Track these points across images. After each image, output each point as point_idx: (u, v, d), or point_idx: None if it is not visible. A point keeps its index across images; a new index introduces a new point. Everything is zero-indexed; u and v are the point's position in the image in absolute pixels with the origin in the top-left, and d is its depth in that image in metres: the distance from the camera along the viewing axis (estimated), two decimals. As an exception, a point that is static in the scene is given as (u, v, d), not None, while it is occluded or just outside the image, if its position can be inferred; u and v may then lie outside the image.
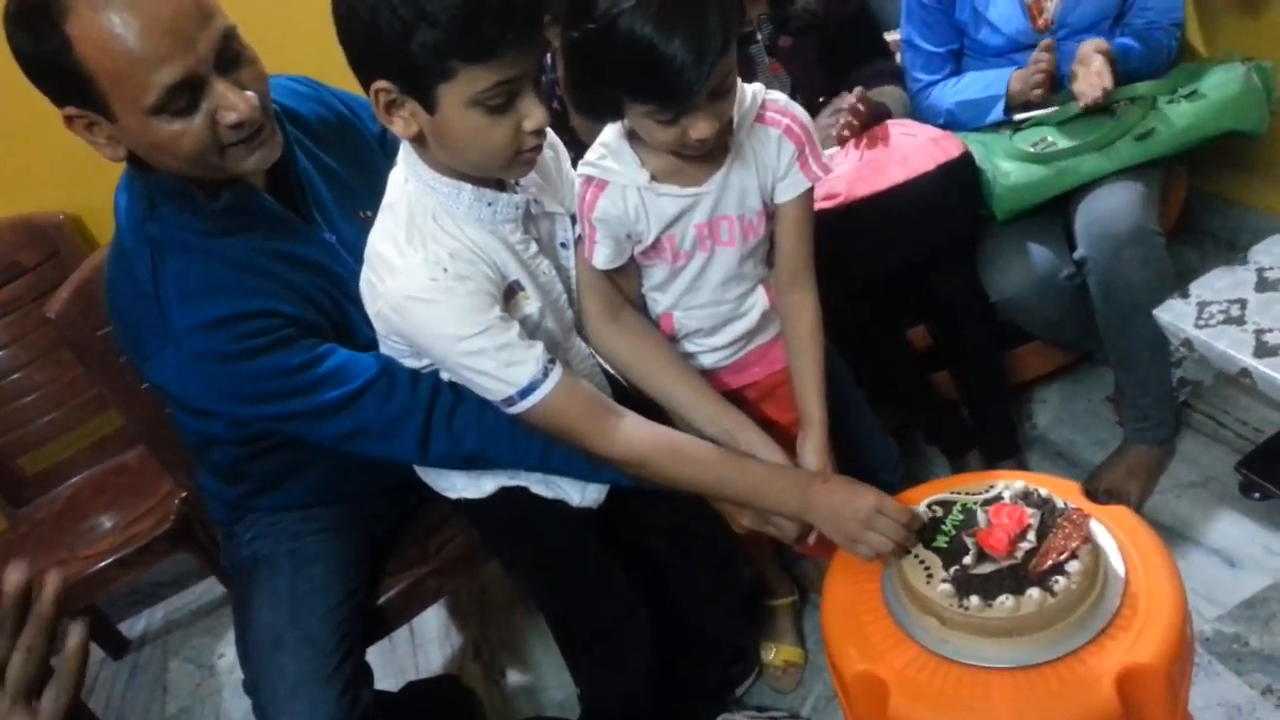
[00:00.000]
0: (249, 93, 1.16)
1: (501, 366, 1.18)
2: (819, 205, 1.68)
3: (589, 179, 1.27)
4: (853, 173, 1.74)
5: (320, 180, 1.36)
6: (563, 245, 1.32)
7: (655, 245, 1.31)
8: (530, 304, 1.24)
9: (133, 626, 2.48)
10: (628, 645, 1.55)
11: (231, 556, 1.55)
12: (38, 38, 1.09)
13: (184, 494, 1.90)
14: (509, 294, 1.22)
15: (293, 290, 1.28)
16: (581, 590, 1.51)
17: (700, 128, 1.14)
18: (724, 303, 1.38)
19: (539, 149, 1.17)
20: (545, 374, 1.19)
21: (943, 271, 1.84)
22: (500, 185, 1.21)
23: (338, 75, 1.22)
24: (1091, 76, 1.70)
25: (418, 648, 2.16)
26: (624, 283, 1.36)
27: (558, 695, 1.91)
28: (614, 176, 1.25)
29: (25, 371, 2.11)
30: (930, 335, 1.96)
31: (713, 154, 1.24)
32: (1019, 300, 1.81)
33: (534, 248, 1.25)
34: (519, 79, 1.08)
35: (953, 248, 1.84)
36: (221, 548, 1.61)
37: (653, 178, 1.25)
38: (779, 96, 1.30)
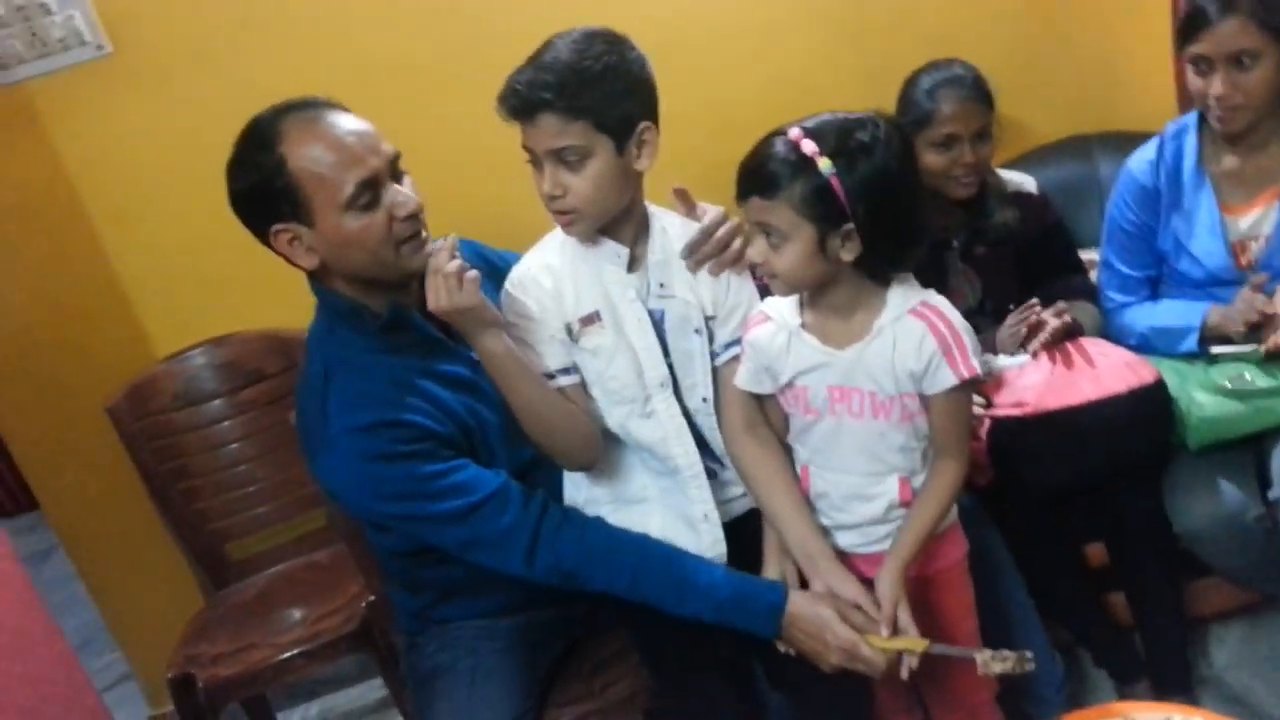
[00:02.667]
0: (408, 190, 1.45)
1: None
2: (1006, 412, 1.74)
3: (761, 312, 1.51)
4: (1043, 384, 1.78)
5: None
6: (696, 331, 1.54)
7: (790, 388, 1.47)
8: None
9: (288, 717, 2.59)
10: None
11: (414, 665, 1.66)
12: (254, 168, 1.40)
13: (371, 597, 2.02)
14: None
15: (437, 406, 1.47)
16: None
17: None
18: (853, 474, 1.47)
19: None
20: None
21: (1127, 494, 1.84)
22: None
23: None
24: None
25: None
26: (771, 410, 1.55)
27: None
28: (775, 314, 1.48)
29: (251, 465, 2.32)
30: (1108, 555, 1.93)
31: (856, 327, 1.42)
32: (1204, 535, 1.78)
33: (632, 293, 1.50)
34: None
35: (1139, 472, 1.84)
36: (404, 656, 1.74)
37: (803, 326, 1.44)
38: (939, 299, 1.42)
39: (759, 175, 1.35)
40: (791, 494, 1.51)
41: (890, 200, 1.34)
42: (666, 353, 1.53)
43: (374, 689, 2.50)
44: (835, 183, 1.31)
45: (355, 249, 1.42)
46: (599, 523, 1.53)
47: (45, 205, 2.23)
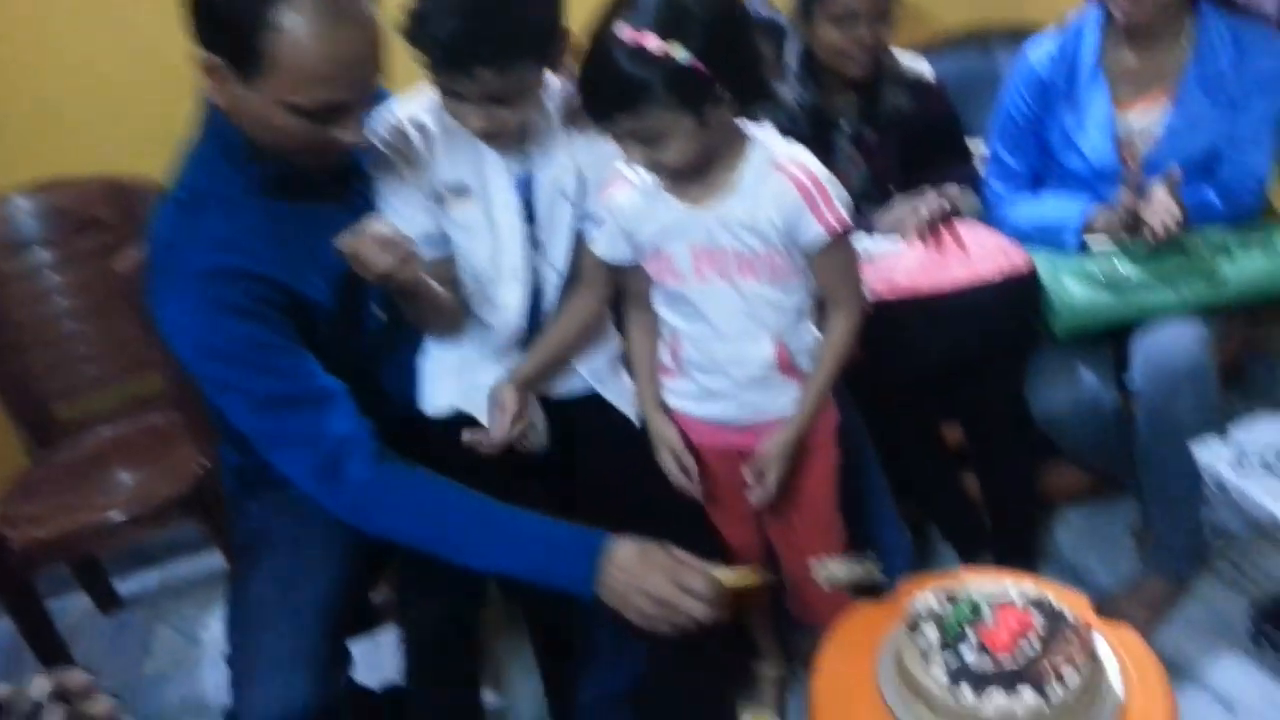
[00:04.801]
0: (360, 130, 1.30)
1: None
2: (877, 293, 1.71)
3: (618, 174, 1.42)
4: (915, 266, 1.76)
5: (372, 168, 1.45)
6: (565, 198, 1.47)
7: (656, 256, 1.42)
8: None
9: (127, 585, 2.48)
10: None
11: (238, 530, 1.56)
12: (246, 10, 1.18)
13: (205, 464, 1.93)
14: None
15: (314, 265, 1.35)
16: None
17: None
18: (726, 339, 1.43)
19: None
20: None
21: (990, 378, 1.84)
22: None
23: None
24: (1158, 209, 1.70)
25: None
26: (634, 284, 1.50)
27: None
28: (633, 176, 1.40)
29: (80, 322, 2.15)
30: (966, 436, 1.94)
31: (717, 183, 1.35)
32: (1060, 420, 1.80)
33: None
34: None
35: (1003, 357, 1.83)
36: (230, 520, 1.63)
37: (662, 186, 1.37)
38: (800, 151, 1.37)
39: (615, 95, 1.24)
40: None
41: (736, 36, 1.28)
42: (532, 218, 1.46)
43: (217, 557, 2.39)
44: (695, 64, 1.22)
45: (273, 133, 1.27)
46: (419, 474, 1.39)
47: None
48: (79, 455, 2.15)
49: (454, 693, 1.54)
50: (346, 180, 1.42)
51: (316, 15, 1.18)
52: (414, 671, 1.50)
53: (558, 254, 1.52)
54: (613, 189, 1.43)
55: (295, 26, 1.18)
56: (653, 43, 1.21)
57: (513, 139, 1.42)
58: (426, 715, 1.52)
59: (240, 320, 1.30)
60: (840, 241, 1.37)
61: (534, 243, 1.50)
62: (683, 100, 1.23)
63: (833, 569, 1.27)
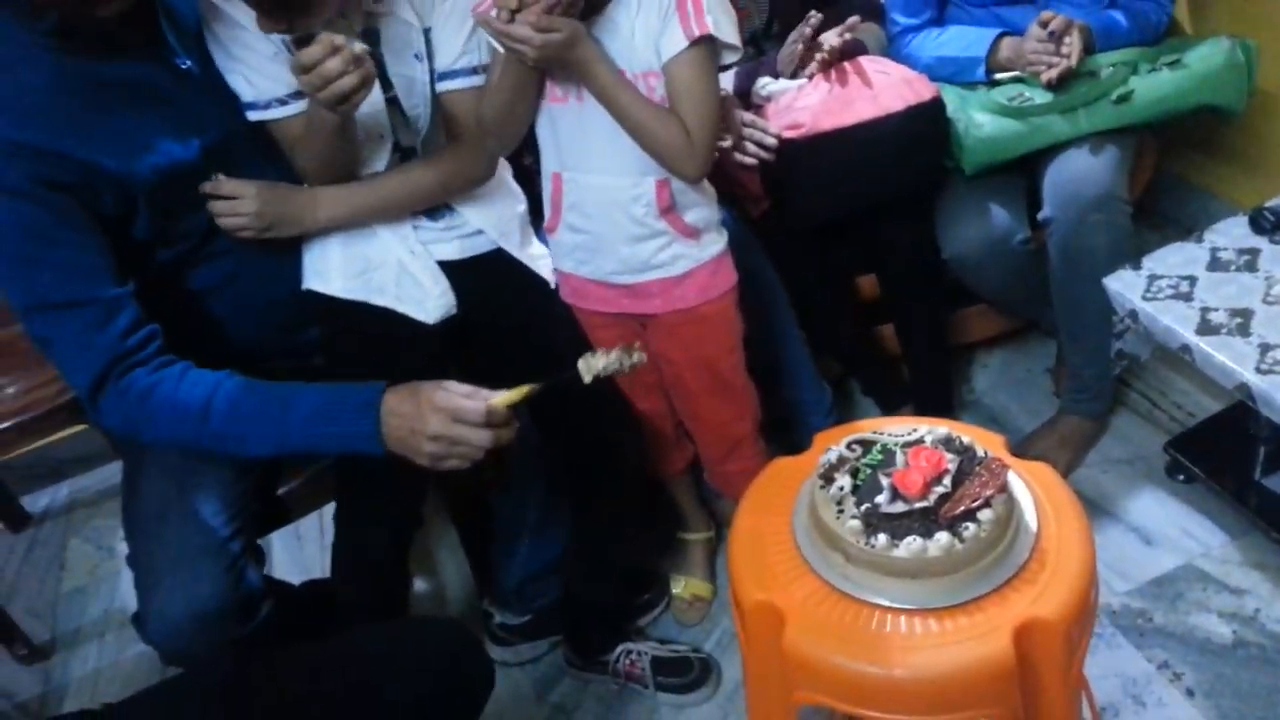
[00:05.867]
0: None
1: None
2: (784, 133, 1.64)
3: None
4: (819, 105, 1.68)
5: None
6: (416, 56, 1.36)
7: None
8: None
9: (35, 502, 2.41)
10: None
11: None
12: None
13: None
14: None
15: (105, 133, 1.20)
16: None
17: None
18: (606, 174, 1.36)
19: None
20: None
21: (898, 221, 1.79)
22: None
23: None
24: (1061, 56, 1.66)
25: (325, 550, 2.11)
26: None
27: (459, 608, 1.89)
28: None
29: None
30: (879, 286, 1.91)
31: None
32: (971, 260, 1.77)
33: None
34: None
35: (911, 198, 1.79)
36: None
37: None
38: None
39: None
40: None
41: None
42: (387, 85, 1.35)
43: (125, 466, 2.32)
44: None
45: None
46: (191, 373, 1.26)
47: None
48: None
49: (384, 593, 1.52)
50: (157, 35, 1.26)
51: None
52: (347, 581, 1.48)
53: (418, 114, 1.40)
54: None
55: None
56: None
57: None
58: (354, 612, 1.49)
59: (11, 202, 1.17)
60: (698, 50, 1.28)
61: (395, 105, 1.38)
62: None
63: (593, 361, 1.22)
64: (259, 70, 1.31)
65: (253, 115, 1.34)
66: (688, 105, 1.30)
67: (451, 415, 1.18)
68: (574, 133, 1.36)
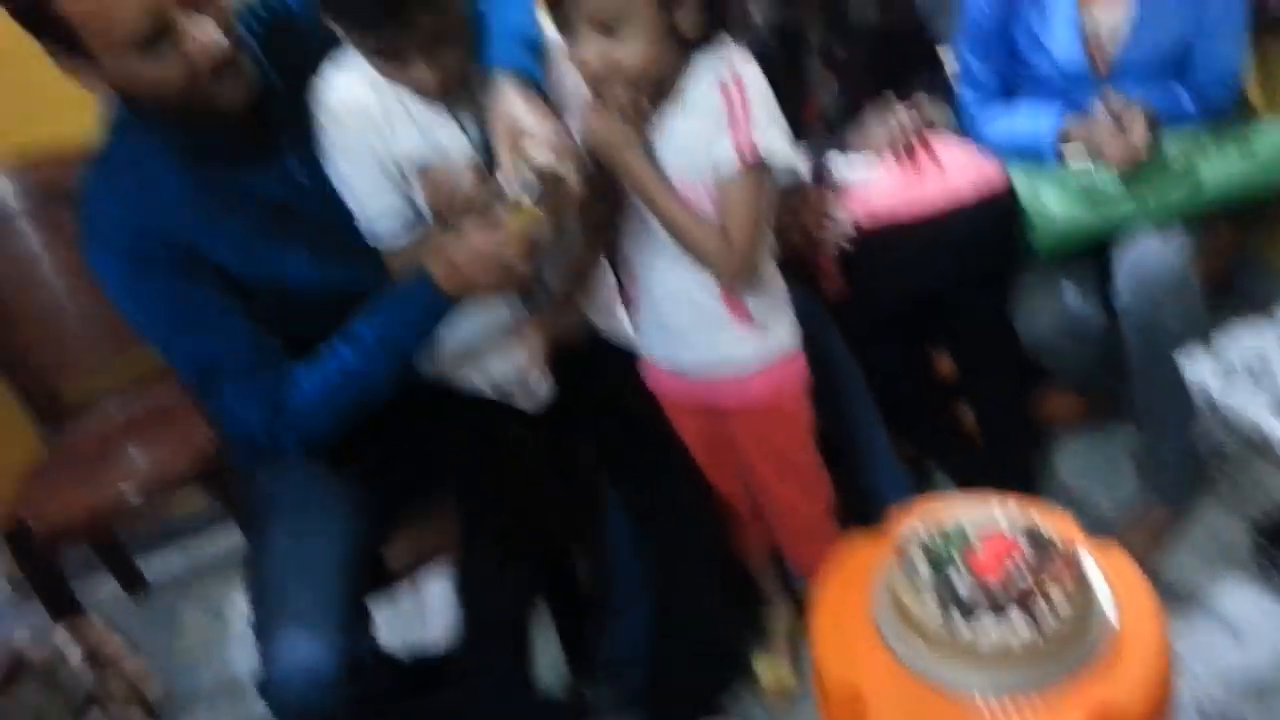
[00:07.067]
0: (213, 31, 1.21)
1: None
2: (859, 221, 1.71)
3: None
4: (892, 191, 1.75)
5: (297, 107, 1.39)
6: None
7: None
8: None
9: (151, 565, 2.52)
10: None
11: (248, 499, 1.59)
12: None
13: (215, 437, 1.92)
14: None
15: (228, 235, 1.33)
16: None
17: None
18: (672, 269, 1.40)
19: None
20: None
21: (973, 300, 1.83)
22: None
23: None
24: (1129, 142, 1.69)
25: (420, 617, 2.18)
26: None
27: (548, 682, 1.92)
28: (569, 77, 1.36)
29: (74, 296, 2.13)
30: (955, 364, 1.94)
31: (660, 104, 1.30)
32: (1046, 341, 1.79)
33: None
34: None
35: (986, 279, 1.83)
36: (239, 492, 1.67)
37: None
38: (747, 65, 1.32)
39: None
40: None
41: None
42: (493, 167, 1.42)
43: (238, 534, 2.42)
44: None
45: (148, 92, 1.24)
46: (310, 364, 1.38)
47: None
48: (90, 435, 2.16)
49: (509, 668, 1.57)
50: (274, 146, 1.37)
51: None
52: (475, 645, 1.53)
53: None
54: (570, 76, 1.36)
55: None
56: None
57: (461, 87, 1.35)
58: (481, 677, 1.55)
59: (162, 276, 1.30)
60: (748, 173, 1.30)
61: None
62: None
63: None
64: (363, 192, 1.38)
65: (369, 240, 1.42)
66: (735, 220, 1.33)
67: (483, 233, 1.27)
68: (639, 221, 1.41)
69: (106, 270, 1.32)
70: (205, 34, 1.20)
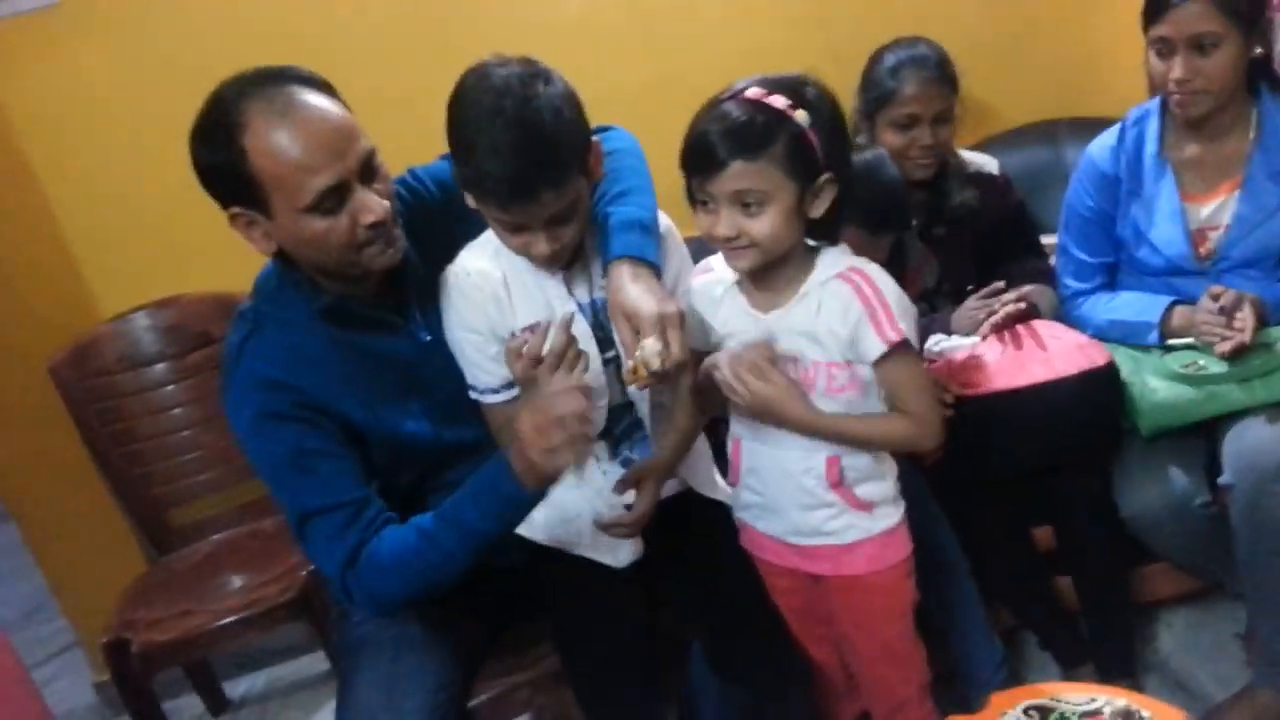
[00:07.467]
0: (383, 200, 1.38)
1: None
2: (961, 390, 1.73)
3: (705, 262, 1.50)
4: (994, 366, 1.77)
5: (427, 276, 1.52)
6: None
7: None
8: None
9: (235, 687, 2.56)
10: None
11: (342, 636, 1.63)
12: (215, 150, 1.33)
13: (310, 567, 2.00)
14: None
15: (356, 391, 1.44)
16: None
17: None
18: (782, 447, 1.44)
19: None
20: None
21: (1075, 478, 1.82)
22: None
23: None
24: (1234, 331, 1.70)
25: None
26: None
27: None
28: (716, 265, 1.46)
29: (194, 431, 2.28)
30: (1056, 539, 1.91)
31: (783, 292, 1.40)
32: (1149, 520, 1.77)
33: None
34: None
35: (1089, 456, 1.82)
36: (334, 627, 1.71)
37: (737, 284, 1.44)
38: (868, 264, 1.39)
39: (741, 137, 1.28)
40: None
41: (848, 148, 1.37)
42: (610, 342, 1.49)
43: (322, 660, 2.47)
44: (812, 134, 1.29)
45: (313, 248, 1.38)
46: (391, 532, 1.44)
47: (-11, 160, 2.18)
48: (193, 560, 2.26)
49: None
50: (406, 314, 1.50)
51: (271, 119, 1.30)
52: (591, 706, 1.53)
53: None
54: (698, 275, 1.49)
55: (260, 138, 1.30)
56: (779, 101, 1.29)
57: (574, 259, 1.46)
58: None
59: (287, 426, 1.40)
60: (899, 353, 1.36)
61: (614, 364, 1.51)
62: (795, 165, 1.28)
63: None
64: (478, 364, 1.49)
65: (472, 394, 1.52)
66: (909, 398, 1.40)
67: (541, 408, 1.32)
68: None
69: (239, 414, 1.42)
70: (373, 200, 1.36)
